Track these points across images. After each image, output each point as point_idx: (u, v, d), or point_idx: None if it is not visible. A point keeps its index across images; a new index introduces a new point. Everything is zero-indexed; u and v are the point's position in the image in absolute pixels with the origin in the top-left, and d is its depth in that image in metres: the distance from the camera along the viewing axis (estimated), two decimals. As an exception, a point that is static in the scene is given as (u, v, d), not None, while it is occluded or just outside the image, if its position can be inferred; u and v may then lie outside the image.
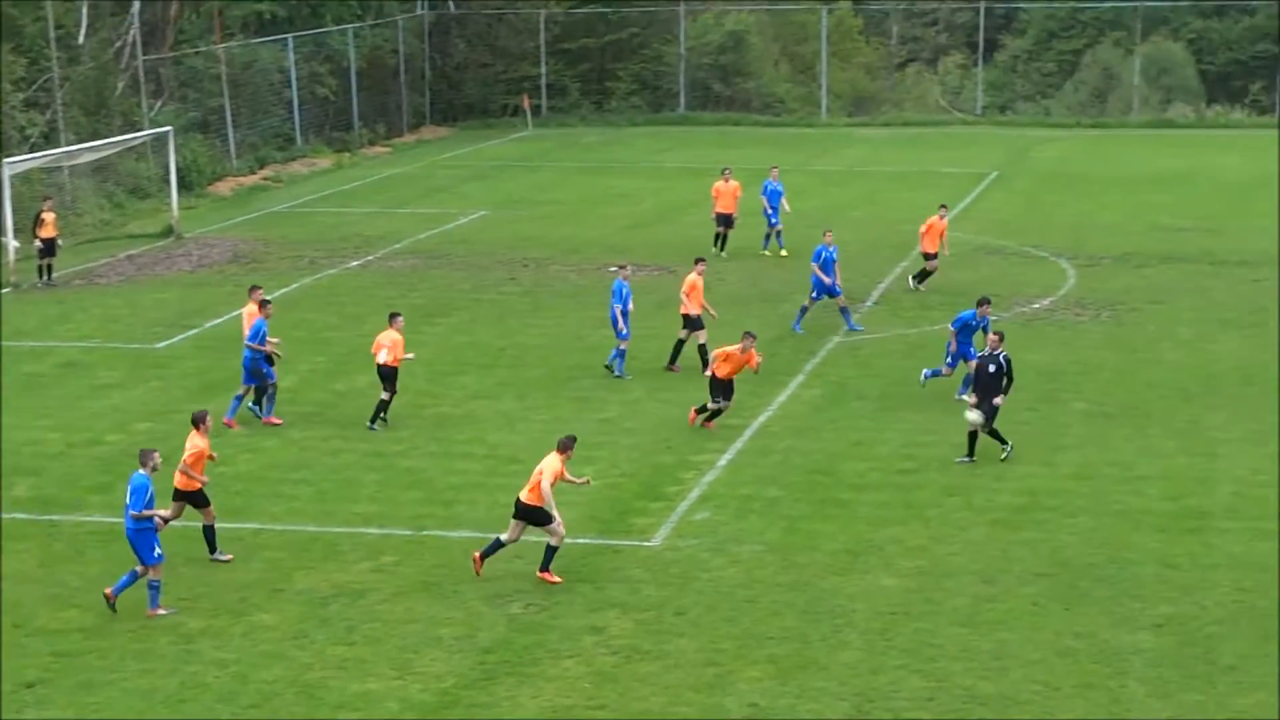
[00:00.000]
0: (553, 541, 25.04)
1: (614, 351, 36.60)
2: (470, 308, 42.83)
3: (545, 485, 24.82)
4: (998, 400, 30.13)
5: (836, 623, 23.49)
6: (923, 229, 44.55)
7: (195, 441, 25.68)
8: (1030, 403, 33.90)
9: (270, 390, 33.12)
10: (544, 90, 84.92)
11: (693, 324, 36.37)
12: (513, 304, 43.82)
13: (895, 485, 29.25)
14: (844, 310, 40.32)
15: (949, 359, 33.75)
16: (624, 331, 36.27)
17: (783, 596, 24.44)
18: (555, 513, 24.97)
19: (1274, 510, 27.75)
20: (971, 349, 33.19)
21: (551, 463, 25.14)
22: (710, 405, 32.51)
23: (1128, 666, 22.07)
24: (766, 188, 49.73)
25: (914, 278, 45.10)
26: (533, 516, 25.00)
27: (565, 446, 25.45)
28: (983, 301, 33.87)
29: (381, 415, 32.99)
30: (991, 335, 30.80)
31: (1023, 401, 33.75)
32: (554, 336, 40.28)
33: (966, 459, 30.23)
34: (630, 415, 33.65)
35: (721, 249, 49.31)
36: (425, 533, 27.23)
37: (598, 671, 22.04)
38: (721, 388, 32.39)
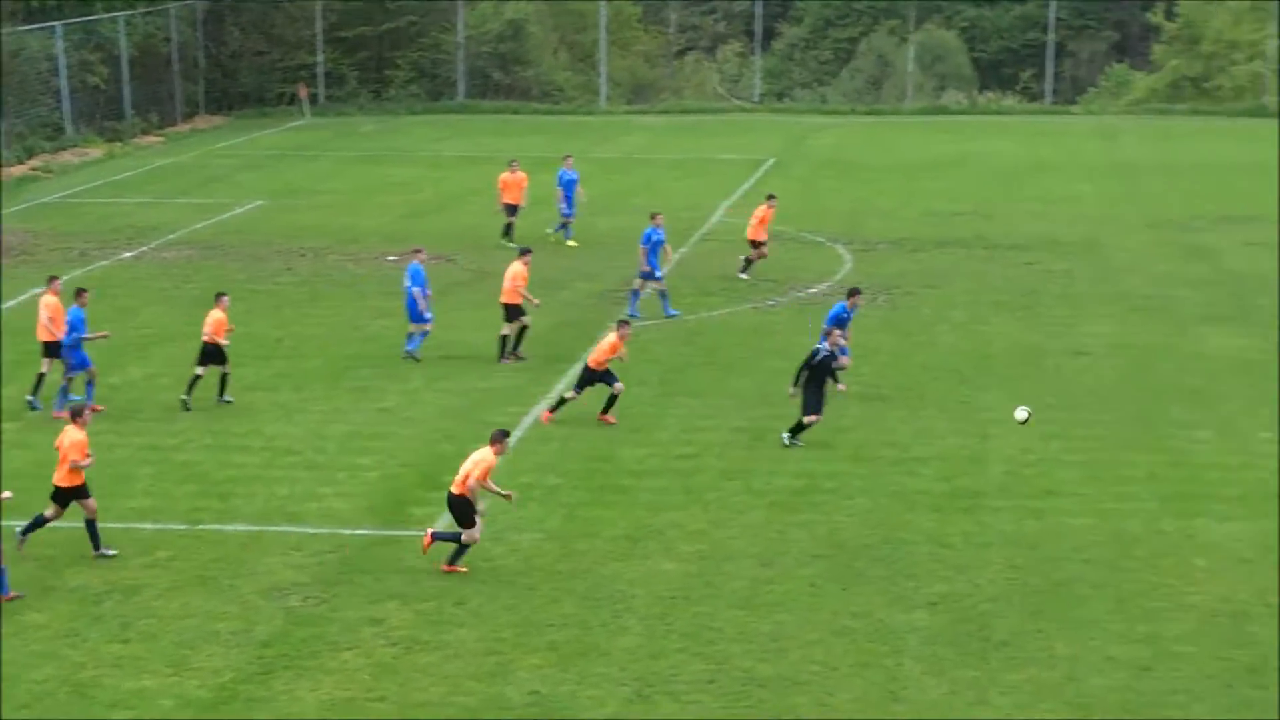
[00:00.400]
0: (463, 538, 24.79)
1: (413, 337, 36.39)
2: (246, 298, 42.22)
3: (473, 480, 24.58)
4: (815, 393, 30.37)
5: (616, 608, 23.52)
6: (754, 219, 44.75)
7: (74, 435, 25.07)
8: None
9: (87, 379, 32.62)
10: (321, 79, 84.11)
11: (514, 314, 36.25)
12: (289, 294, 43.34)
13: (674, 471, 29.37)
14: (641, 295, 40.54)
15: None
16: (426, 315, 36.16)
17: (563, 584, 24.42)
18: (480, 507, 24.74)
19: (1044, 489, 28.30)
20: (845, 346, 33.15)
21: (483, 456, 24.88)
22: (567, 396, 32.30)
23: (904, 645, 22.35)
24: (562, 177, 49.42)
25: (742, 270, 45.27)
26: (456, 510, 24.76)
27: (497, 440, 25.07)
28: (853, 292, 33.85)
29: (208, 390, 33.16)
30: (836, 332, 31.05)
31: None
32: (332, 327, 39.88)
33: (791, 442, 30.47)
34: (409, 405, 33.42)
35: (508, 238, 49.09)
36: (201, 527, 26.81)
37: (377, 663, 21.86)
38: (593, 378, 32.20)
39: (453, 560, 24.89)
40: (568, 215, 49.27)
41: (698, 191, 58.91)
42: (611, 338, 32.24)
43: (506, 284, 36.39)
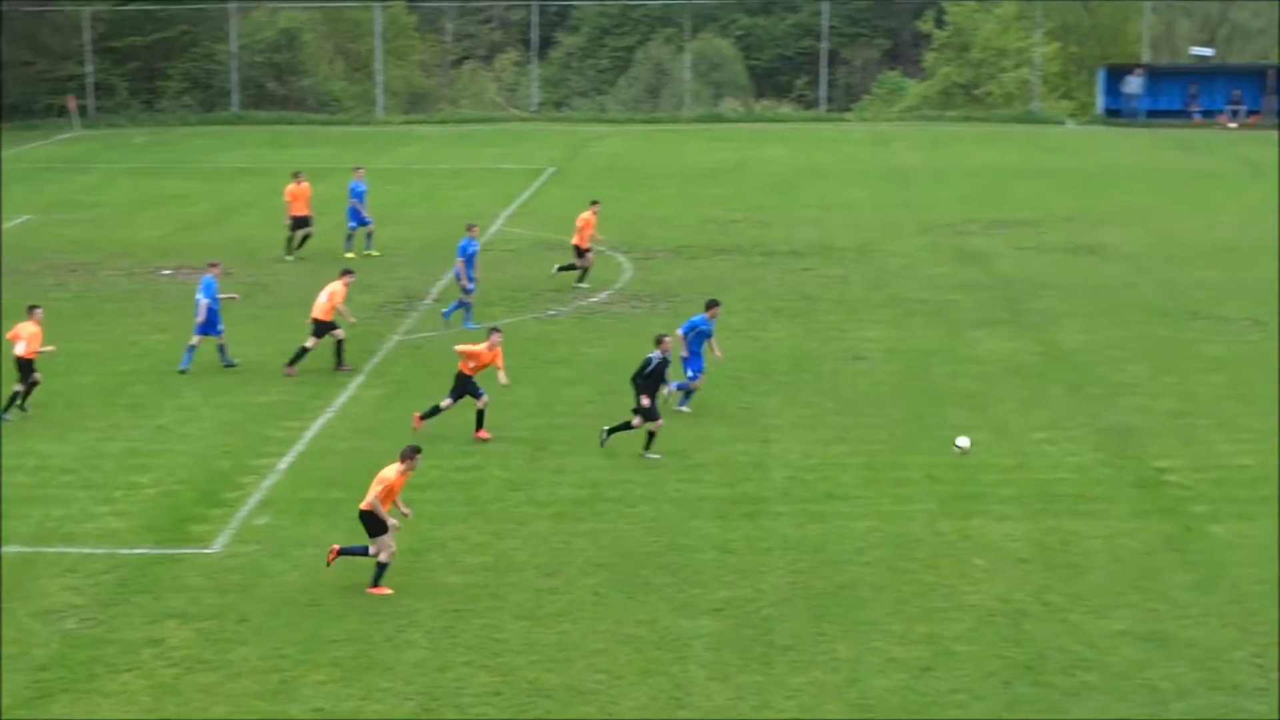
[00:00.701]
0: (382, 557, 24.41)
1: (221, 349, 36.30)
2: (17, 315, 41.27)
3: (369, 498, 24.32)
4: (646, 401, 30.38)
5: (401, 623, 23.36)
6: (578, 225, 44.73)
7: None
8: (590, 395, 34.32)
9: None
10: (90, 90, 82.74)
11: (322, 329, 35.88)
12: (62, 310, 42.41)
13: (457, 483, 29.24)
14: (465, 305, 40.41)
15: (687, 367, 33.12)
16: (219, 329, 35.98)
17: (346, 599, 24.20)
18: (390, 523, 24.39)
19: (825, 493, 28.60)
20: (701, 357, 33.13)
21: (386, 475, 24.58)
22: (442, 405, 31.98)
23: (689, 651, 22.45)
24: (354, 189, 48.93)
25: (559, 267, 45.57)
26: (364, 524, 24.47)
27: (406, 456, 24.75)
28: (711, 304, 33.73)
29: (18, 404, 32.68)
30: (667, 339, 31.04)
31: (583, 394, 34.18)
32: (106, 342, 39.18)
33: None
34: (186, 421, 32.92)
35: (290, 252, 48.50)
36: (-28, 550, 26.19)
37: (157, 684, 21.49)
38: (465, 385, 31.88)
39: (375, 581, 24.55)
40: (354, 227, 48.81)
41: (477, 201, 58.77)
42: (479, 347, 32.00)
43: (323, 299, 36.02)
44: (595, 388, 34.90)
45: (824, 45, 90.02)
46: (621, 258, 48.97)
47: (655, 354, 30.54)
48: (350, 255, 47.94)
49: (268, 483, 29.29)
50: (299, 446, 31.20)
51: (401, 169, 67.85)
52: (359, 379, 35.82)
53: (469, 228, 41.13)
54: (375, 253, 48.87)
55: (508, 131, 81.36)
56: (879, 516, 27.48)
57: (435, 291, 44.25)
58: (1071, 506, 27.93)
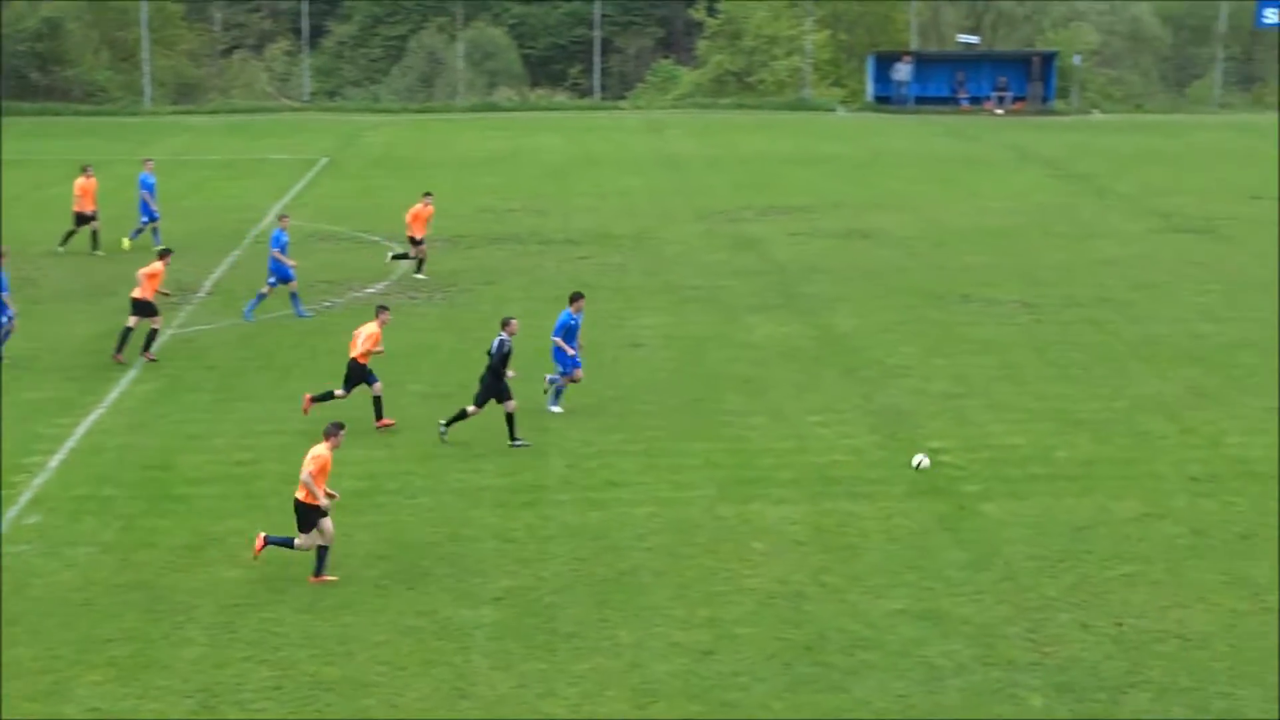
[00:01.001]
0: (321, 541, 24.09)
1: None
2: None
3: (304, 474, 23.91)
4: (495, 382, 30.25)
5: (178, 619, 23.00)
6: (408, 217, 44.40)
7: None
8: (367, 387, 34.02)
9: None
10: None
11: (144, 310, 35.33)
12: None
13: (234, 477, 28.87)
14: (260, 297, 40.00)
15: (561, 366, 32.56)
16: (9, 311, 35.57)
17: (122, 597, 23.78)
18: (323, 503, 24.04)
19: (605, 480, 28.69)
20: (578, 355, 32.58)
21: (318, 452, 24.14)
22: (338, 393, 31.48)
23: (471, 641, 22.39)
24: (144, 181, 48.01)
25: (393, 255, 45.37)
26: (297, 515, 24.11)
27: (330, 434, 24.30)
28: (575, 297, 33.14)
29: None
30: (514, 321, 30.80)
31: (360, 386, 33.93)
32: None
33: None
34: (-47, 419, 32.15)
35: (63, 244, 47.55)
36: None
37: (-74, 689, 20.97)
38: (359, 374, 31.38)
39: (318, 571, 24.29)
40: (146, 221, 47.95)
41: (250, 193, 58.12)
42: (371, 327, 31.56)
43: (142, 280, 35.45)
44: (373, 379, 34.63)
45: (597, 34, 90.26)
46: (397, 248, 48.63)
47: (504, 336, 30.45)
48: (127, 245, 47.24)
49: (39, 481, 28.67)
50: (70, 443, 30.60)
51: (171, 160, 66.66)
52: (131, 373, 35.22)
53: (280, 218, 40.82)
54: (127, 244, 47.94)
55: (280, 122, 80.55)
56: (659, 502, 27.61)
57: (209, 284, 43.67)
58: (848, 488, 28.29)
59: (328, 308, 41.24)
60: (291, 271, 39.92)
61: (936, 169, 66.12)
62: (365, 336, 31.41)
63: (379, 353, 31.69)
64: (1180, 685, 21.10)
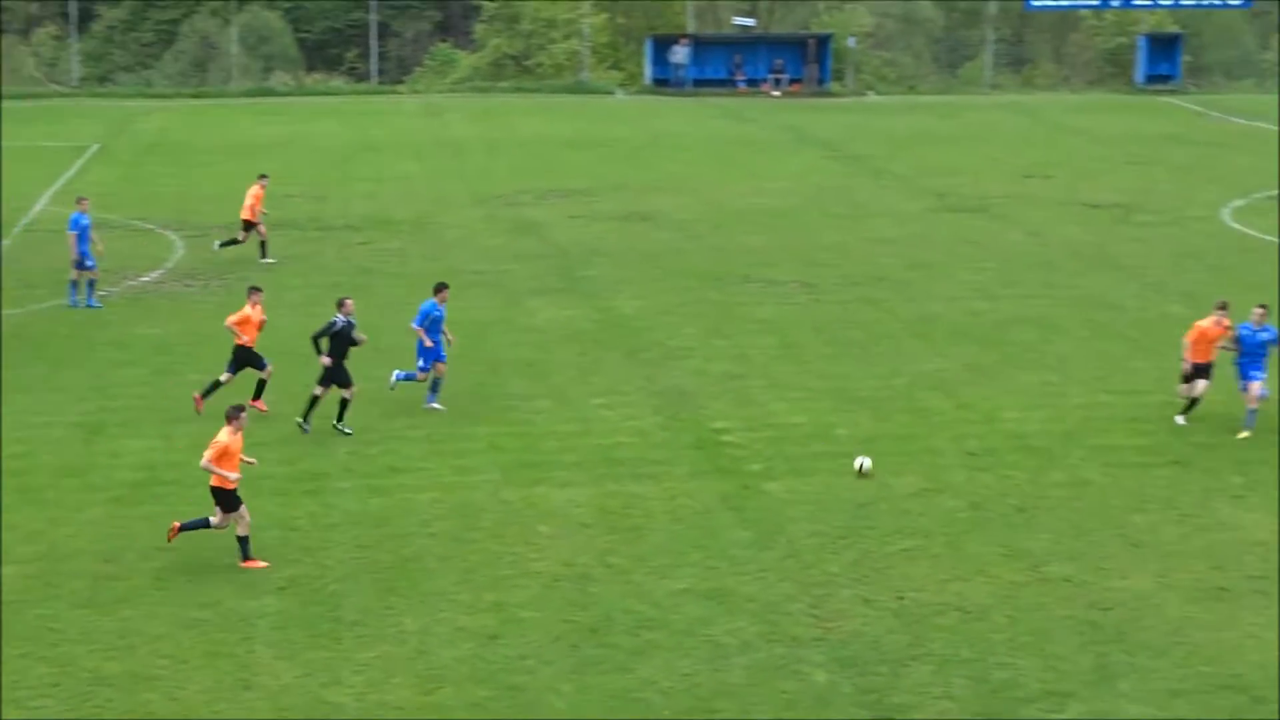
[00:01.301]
0: (239, 530, 23.94)
1: None
2: None
3: (204, 460, 23.74)
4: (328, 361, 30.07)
5: (-49, 618, 22.50)
6: (248, 200, 43.75)
7: None
8: (145, 376, 33.56)
9: None
10: None
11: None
12: None
13: (7, 470, 28.20)
14: (90, 284, 39.38)
15: (421, 359, 32.00)
16: None
17: (-109, 596, 23.20)
18: (231, 478, 23.85)
19: (388, 466, 28.52)
20: (441, 347, 32.01)
21: (219, 437, 23.86)
22: (222, 379, 31.03)
23: (254, 631, 22.13)
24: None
25: (221, 244, 44.82)
26: (216, 500, 23.86)
27: (231, 416, 24.00)
28: (440, 287, 32.41)
29: None
30: (349, 301, 30.58)
31: (138, 375, 33.39)
32: None
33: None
34: None
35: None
36: None
37: None
38: (246, 357, 30.96)
39: (246, 556, 24.07)
40: None
41: (19, 180, 56.80)
42: (246, 310, 31.10)
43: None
44: (150, 369, 34.14)
45: (373, 18, 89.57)
46: (173, 236, 47.95)
47: (339, 317, 30.10)
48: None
49: None
50: None
51: (-64, 148, 65.16)
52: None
53: (78, 200, 40.00)
54: None
55: (49, 108, 78.97)
56: (443, 488, 27.50)
57: (-23, 274, 42.70)
58: (632, 470, 28.39)
59: (103, 296, 40.44)
60: (89, 259, 39.15)
61: (715, 151, 66.54)
62: (240, 322, 31.31)
63: (245, 341, 31.21)
64: (961, 657, 21.46)
